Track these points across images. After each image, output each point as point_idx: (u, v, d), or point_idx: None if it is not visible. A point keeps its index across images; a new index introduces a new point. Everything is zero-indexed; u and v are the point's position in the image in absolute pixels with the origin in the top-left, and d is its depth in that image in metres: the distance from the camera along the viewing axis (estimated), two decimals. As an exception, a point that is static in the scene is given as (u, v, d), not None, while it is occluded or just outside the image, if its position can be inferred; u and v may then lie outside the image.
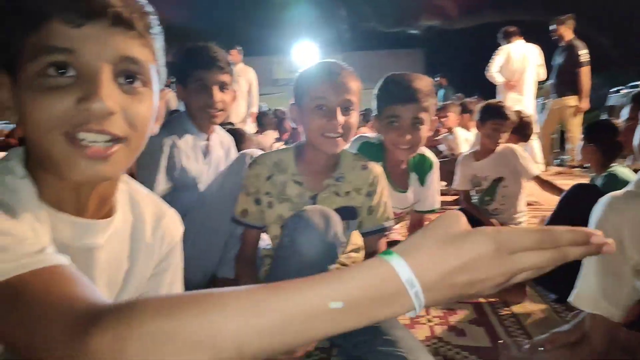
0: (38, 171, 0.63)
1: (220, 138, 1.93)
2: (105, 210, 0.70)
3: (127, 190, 0.77)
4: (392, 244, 2.04)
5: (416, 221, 2.05)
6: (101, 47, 0.57)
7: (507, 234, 0.45)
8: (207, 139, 1.82)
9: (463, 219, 0.48)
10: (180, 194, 1.66)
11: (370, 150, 1.82)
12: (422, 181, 1.92)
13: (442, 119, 4.54)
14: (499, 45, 5.60)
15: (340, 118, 1.28)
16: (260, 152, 1.63)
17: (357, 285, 0.44)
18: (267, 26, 11.67)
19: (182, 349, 0.40)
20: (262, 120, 6.17)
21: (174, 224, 0.84)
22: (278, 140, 6.13)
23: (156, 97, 0.65)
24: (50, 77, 0.56)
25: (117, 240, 0.73)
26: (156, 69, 0.65)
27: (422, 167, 1.91)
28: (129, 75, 0.60)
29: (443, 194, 2.51)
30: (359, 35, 12.88)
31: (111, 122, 0.58)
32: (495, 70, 5.49)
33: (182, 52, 1.74)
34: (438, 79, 8.78)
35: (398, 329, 1.21)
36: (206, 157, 1.81)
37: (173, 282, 0.85)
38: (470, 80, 7.45)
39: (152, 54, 0.64)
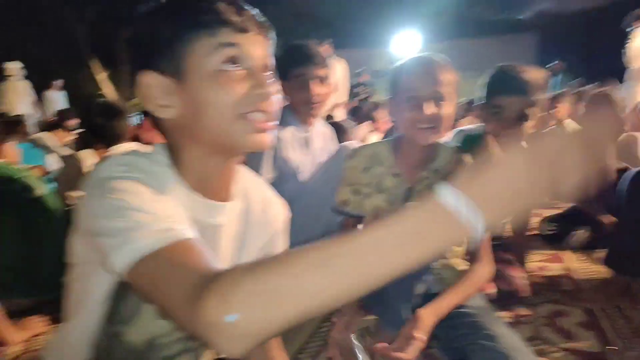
0: (183, 161, 0.75)
1: (320, 130, 2.00)
2: (227, 194, 0.82)
3: (241, 177, 0.88)
4: (499, 238, 1.97)
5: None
6: (257, 49, 0.72)
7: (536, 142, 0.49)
8: (308, 131, 1.90)
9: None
10: (283, 183, 1.75)
11: (471, 143, 1.79)
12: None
13: (553, 110, 4.19)
14: (624, 28, 5.11)
15: (431, 109, 1.28)
16: (357, 144, 1.69)
17: (412, 220, 0.49)
18: (367, 19, 11.68)
19: (271, 303, 0.47)
20: (358, 113, 6.22)
21: (280, 209, 0.96)
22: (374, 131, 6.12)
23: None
24: (228, 70, 0.69)
25: (235, 220, 0.85)
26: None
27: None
28: (268, 70, 0.75)
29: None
30: (464, 22, 12.36)
31: (269, 105, 0.72)
32: (634, 55, 5.03)
33: (282, 50, 1.84)
34: (557, 63, 8.28)
35: (499, 326, 1.19)
36: (307, 149, 1.90)
37: None
38: (595, 65, 6.83)
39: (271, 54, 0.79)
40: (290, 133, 1.84)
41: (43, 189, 1.97)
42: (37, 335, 1.62)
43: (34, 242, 1.86)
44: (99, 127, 2.32)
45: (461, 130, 1.94)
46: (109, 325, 0.62)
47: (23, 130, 5.30)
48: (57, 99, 9.30)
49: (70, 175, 2.26)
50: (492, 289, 1.65)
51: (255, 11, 0.75)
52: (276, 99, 0.74)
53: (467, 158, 1.44)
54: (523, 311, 1.67)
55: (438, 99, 1.30)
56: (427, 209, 0.49)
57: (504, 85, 1.68)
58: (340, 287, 0.48)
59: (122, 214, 0.60)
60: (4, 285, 1.72)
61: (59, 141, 5.14)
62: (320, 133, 1.99)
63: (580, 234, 2.31)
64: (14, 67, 8.31)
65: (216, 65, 0.69)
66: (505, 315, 1.62)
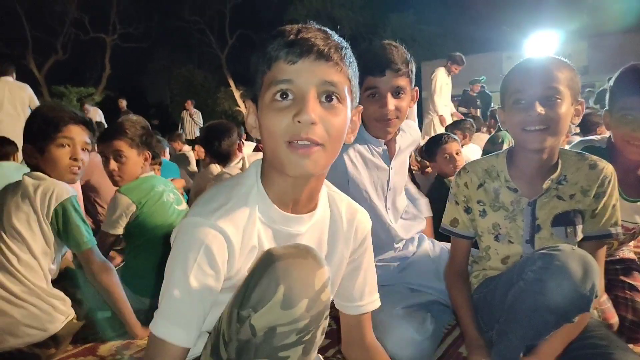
0: (269, 177, 0.87)
1: (406, 134, 1.83)
2: (311, 206, 0.92)
3: (326, 191, 0.98)
4: (623, 261, 1.75)
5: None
6: (309, 76, 0.78)
7: None
8: (387, 143, 1.73)
9: None
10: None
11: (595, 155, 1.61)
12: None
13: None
14: None
15: (539, 109, 1.20)
16: None
17: None
18: (497, 22, 11.09)
19: None
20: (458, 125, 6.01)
21: (365, 218, 1.04)
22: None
23: (349, 112, 0.84)
24: (277, 102, 0.79)
25: (317, 229, 0.94)
26: (349, 89, 0.84)
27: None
28: (328, 95, 0.80)
29: None
30: (607, 17, 11.09)
31: (314, 131, 0.78)
32: None
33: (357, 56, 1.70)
34: None
35: (631, 356, 1.13)
36: (388, 163, 1.74)
37: (368, 268, 1.06)
38: None
39: (346, 77, 0.83)
40: (355, 152, 1.65)
41: (184, 204, 2.16)
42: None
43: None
44: (210, 146, 2.56)
45: (582, 141, 1.77)
46: (239, 308, 0.70)
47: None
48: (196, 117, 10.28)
49: (203, 188, 2.53)
50: (614, 319, 1.48)
51: (316, 36, 0.80)
52: (330, 125, 0.79)
53: (606, 165, 1.31)
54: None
55: (550, 97, 1.21)
56: None
57: (632, 85, 1.50)
58: None
59: (169, 286, 0.79)
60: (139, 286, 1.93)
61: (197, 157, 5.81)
62: (405, 139, 1.83)
63: None
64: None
65: (270, 97, 0.80)
66: (633, 349, 1.43)
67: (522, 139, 1.27)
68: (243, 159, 2.95)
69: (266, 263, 0.72)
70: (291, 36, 0.79)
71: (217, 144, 2.61)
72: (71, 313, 1.61)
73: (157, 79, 21.70)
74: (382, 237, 1.75)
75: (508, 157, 1.38)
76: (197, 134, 9.56)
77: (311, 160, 0.78)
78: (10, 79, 6.33)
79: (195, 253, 0.78)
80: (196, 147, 6.69)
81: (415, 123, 2.02)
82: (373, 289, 1.07)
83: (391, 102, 1.55)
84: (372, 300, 1.06)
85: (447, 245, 1.90)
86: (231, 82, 20.79)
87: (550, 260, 1.10)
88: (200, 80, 21.53)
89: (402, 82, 1.56)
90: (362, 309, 1.04)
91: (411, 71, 1.60)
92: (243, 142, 2.89)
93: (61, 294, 1.62)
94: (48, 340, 1.53)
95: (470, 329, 1.32)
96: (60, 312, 1.57)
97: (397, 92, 1.56)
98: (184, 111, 10.37)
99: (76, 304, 1.68)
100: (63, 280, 1.75)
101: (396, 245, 1.82)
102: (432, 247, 1.89)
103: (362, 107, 0.93)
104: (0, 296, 1.48)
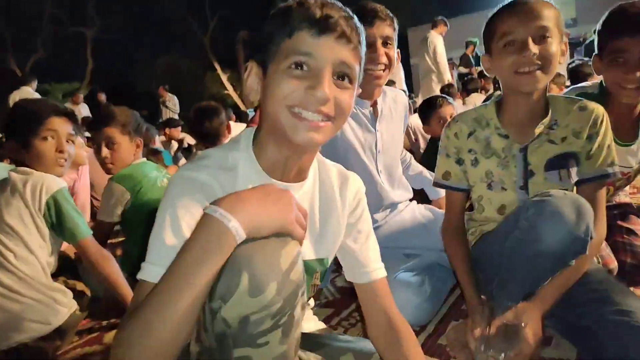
0: (262, 144, 0.87)
1: (390, 99, 1.84)
2: (302, 176, 0.93)
3: (316, 161, 0.98)
4: (620, 206, 1.76)
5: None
6: (329, 53, 0.80)
7: None
8: (372, 106, 1.75)
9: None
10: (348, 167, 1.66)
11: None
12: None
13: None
14: None
15: (534, 47, 1.18)
16: None
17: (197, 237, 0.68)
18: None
19: (141, 338, 0.66)
20: (468, 85, 6.06)
21: (357, 181, 1.05)
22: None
23: (355, 91, 0.87)
24: (293, 70, 0.80)
25: (306, 199, 0.95)
26: (359, 69, 0.86)
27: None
28: (342, 74, 0.82)
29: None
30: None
31: (326, 106, 0.80)
32: None
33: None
34: None
35: (632, 299, 1.10)
36: (375, 127, 1.76)
37: (370, 233, 1.06)
38: None
39: (360, 60, 0.86)
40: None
41: None
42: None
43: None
44: (197, 128, 2.53)
45: (573, 89, 1.75)
46: (209, 301, 0.67)
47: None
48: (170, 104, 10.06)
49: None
50: (613, 264, 1.48)
51: (340, 15, 0.80)
52: (340, 102, 0.81)
53: (596, 106, 1.29)
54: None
55: (542, 36, 1.19)
56: (201, 224, 0.69)
57: (622, 25, 1.46)
58: (180, 313, 0.64)
59: (158, 233, 0.78)
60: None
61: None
62: (390, 102, 1.84)
63: None
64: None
65: (286, 65, 0.80)
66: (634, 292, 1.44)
67: (514, 82, 1.24)
68: (232, 140, 2.92)
69: None
70: (316, 10, 0.80)
71: (204, 125, 2.58)
72: (73, 305, 1.60)
73: (143, 68, 21.39)
74: (373, 196, 1.75)
75: (497, 104, 1.36)
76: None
77: (319, 134, 0.81)
78: (30, 90, 6.92)
79: (186, 200, 0.78)
80: (172, 129, 6.62)
81: (402, 91, 2.01)
82: (377, 256, 1.05)
83: (382, 51, 1.58)
84: (379, 267, 1.03)
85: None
86: (217, 66, 20.54)
87: (543, 207, 1.09)
88: (186, 66, 21.28)
89: (390, 32, 1.60)
90: (373, 275, 1.01)
91: (395, 28, 1.63)
92: (230, 125, 2.85)
93: (62, 286, 1.61)
94: (53, 333, 1.53)
95: (468, 287, 1.32)
96: (63, 305, 1.56)
97: (385, 42, 1.60)
98: (160, 99, 9.98)
99: (77, 295, 1.68)
100: (63, 272, 1.75)
101: (387, 207, 1.83)
102: (423, 210, 1.90)
103: (360, 90, 0.93)
104: (0, 293, 1.47)
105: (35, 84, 7.53)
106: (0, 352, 1.45)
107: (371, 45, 1.57)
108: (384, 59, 1.61)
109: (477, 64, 8.25)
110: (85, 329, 1.81)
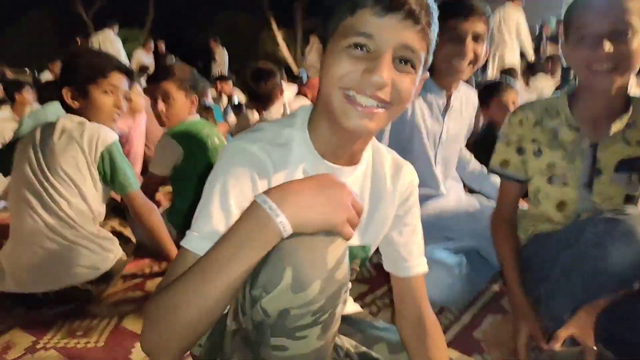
0: (316, 124, 0.83)
1: (464, 95, 1.79)
2: (354, 160, 0.88)
3: (371, 147, 0.93)
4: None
5: None
6: (392, 36, 0.72)
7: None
8: (444, 98, 1.70)
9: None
10: (407, 153, 1.62)
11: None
12: None
13: None
14: None
15: (608, 47, 1.08)
16: None
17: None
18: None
19: (166, 320, 0.66)
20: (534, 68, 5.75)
21: (411, 172, 0.98)
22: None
23: (419, 78, 0.79)
24: (351, 50, 0.74)
25: (357, 184, 0.91)
26: (426, 57, 0.78)
27: None
28: (404, 59, 0.74)
29: None
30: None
31: (383, 91, 0.73)
32: None
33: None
34: None
35: None
36: (442, 118, 1.72)
37: (417, 226, 1.01)
38: None
39: (427, 44, 0.76)
40: (422, 100, 1.66)
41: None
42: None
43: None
44: (251, 90, 2.51)
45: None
46: (250, 287, 0.66)
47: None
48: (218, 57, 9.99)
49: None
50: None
51: None
52: (398, 87, 0.74)
53: None
54: None
55: (620, 32, 1.08)
56: (249, 212, 0.66)
57: None
58: (210, 299, 0.63)
59: (206, 204, 0.76)
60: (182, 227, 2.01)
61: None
62: (462, 99, 1.79)
63: None
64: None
65: (345, 44, 0.74)
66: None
67: (587, 78, 1.16)
68: (284, 105, 2.90)
69: None
70: None
71: (260, 86, 2.57)
72: (120, 251, 1.68)
73: (202, 22, 21.52)
74: (424, 184, 1.71)
75: (571, 96, 1.27)
76: (225, 72, 9.05)
77: (372, 121, 0.75)
78: (112, 33, 7.30)
79: (237, 173, 0.76)
80: (223, 84, 6.67)
81: (474, 91, 1.93)
82: (421, 251, 1.01)
83: (470, 46, 1.53)
84: (421, 262, 1.00)
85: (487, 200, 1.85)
86: (273, 23, 20.37)
87: (615, 225, 1.02)
88: (243, 22, 21.22)
89: (483, 29, 1.54)
90: (412, 270, 0.98)
91: (489, 24, 1.57)
92: (282, 87, 2.83)
93: (110, 234, 1.68)
94: (100, 277, 1.61)
95: (515, 286, 1.26)
96: (110, 252, 1.63)
97: (476, 38, 1.54)
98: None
99: (123, 241, 1.75)
100: (111, 218, 1.82)
101: (434, 196, 1.80)
102: (470, 198, 1.85)
103: (427, 74, 0.85)
104: (54, 241, 1.54)
105: (116, 28, 7.82)
106: (52, 292, 1.54)
107: (461, 40, 1.51)
108: (471, 55, 1.54)
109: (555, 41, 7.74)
110: (130, 274, 1.89)
